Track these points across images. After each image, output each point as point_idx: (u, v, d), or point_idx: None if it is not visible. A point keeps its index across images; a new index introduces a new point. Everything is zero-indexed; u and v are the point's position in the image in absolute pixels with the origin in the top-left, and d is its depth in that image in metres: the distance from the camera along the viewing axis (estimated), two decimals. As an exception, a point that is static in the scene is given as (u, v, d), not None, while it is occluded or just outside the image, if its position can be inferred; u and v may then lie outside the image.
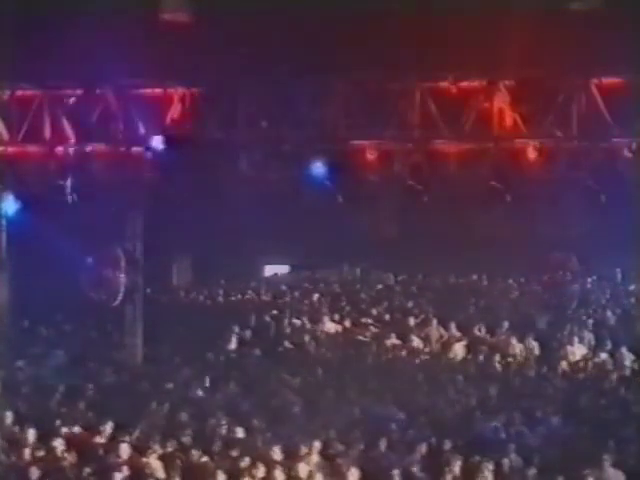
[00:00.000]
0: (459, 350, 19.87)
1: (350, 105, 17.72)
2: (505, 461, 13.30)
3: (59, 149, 18.92)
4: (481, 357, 19.38)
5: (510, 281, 25.51)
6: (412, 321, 21.45)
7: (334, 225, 22.52)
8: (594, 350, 19.28)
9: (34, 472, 13.00)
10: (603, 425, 14.65)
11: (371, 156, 18.05)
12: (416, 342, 20.42)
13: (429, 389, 17.01)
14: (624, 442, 13.92)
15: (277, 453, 13.50)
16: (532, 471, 13.06)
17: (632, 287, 24.10)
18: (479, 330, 20.56)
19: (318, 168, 17.43)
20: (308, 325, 21.87)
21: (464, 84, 17.47)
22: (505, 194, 17.58)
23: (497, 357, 19.30)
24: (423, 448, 13.76)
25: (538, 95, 17.43)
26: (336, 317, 22.18)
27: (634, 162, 16.70)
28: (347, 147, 18.04)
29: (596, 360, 18.87)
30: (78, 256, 19.69)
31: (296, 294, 25.34)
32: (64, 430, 14.46)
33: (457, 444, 13.91)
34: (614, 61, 16.20)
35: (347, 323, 21.93)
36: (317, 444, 13.65)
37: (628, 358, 18.47)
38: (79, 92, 18.69)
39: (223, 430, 14.55)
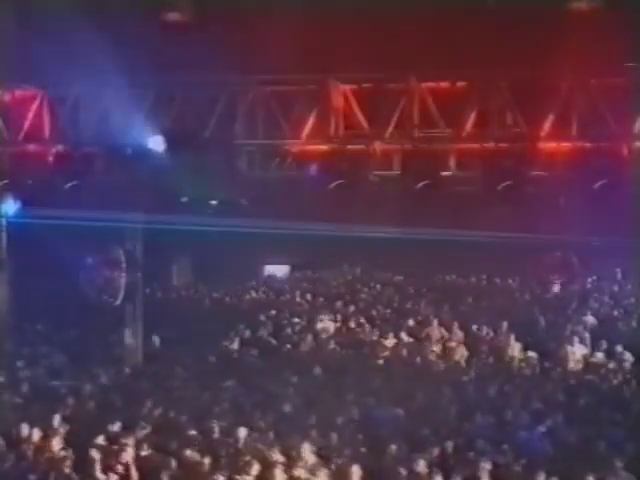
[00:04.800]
0: (459, 350, 19.86)
1: (349, 105, 17.76)
2: (506, 463, 13.27)
3: (59, 149, 18.95)
4: (481, 357, 19.39)
5: (510, 281, 25.53)
6: (412, 321, 21.47)
7: (334, 225, 22.51)
8: (594, 350, 19.28)
9: (33, 472, 12.99)
10: (602, 425, 14.64)
11: (372, 156, 18.10)
12: (416, 342, 20.43)
13: (429, 389, 16.99)
14: (627, 443, 13.88)
15: (277, 453, 13.49)
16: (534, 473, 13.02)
17: (632, 287, 24.10)
18: (479, 330, 20.56)
19: (317, 168, 17.45)
20: (308, 325, 21.87)
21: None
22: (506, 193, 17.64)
23: (497, 357, 19.34)
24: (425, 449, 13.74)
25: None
26: (335, 317, 22.18)
27: (634, 162, 16.75)
28: (346, 147, 18.09)
29: (596, 360, 18.87)
30: (78, 256, 19.68)
31: (296, 294, 25.36)
32: (64, 430, 14.45)
33: (457, 445, 13.91)
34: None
35: (346, 323, 21.94)
36: (317, 444, 13.65)
37: (628, 358, 18.46)
38: (79, 92, 18.72)
39: (223, 430, 14.53)
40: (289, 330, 21.47)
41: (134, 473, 13.17)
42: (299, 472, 12.99)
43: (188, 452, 13.56)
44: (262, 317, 22.25)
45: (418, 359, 19.58)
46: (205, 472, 13.07)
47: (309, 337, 20.96)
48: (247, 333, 21.12)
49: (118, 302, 19.38)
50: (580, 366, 18.84)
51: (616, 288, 24.40)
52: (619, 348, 18.78)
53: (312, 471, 13.00)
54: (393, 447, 13.66)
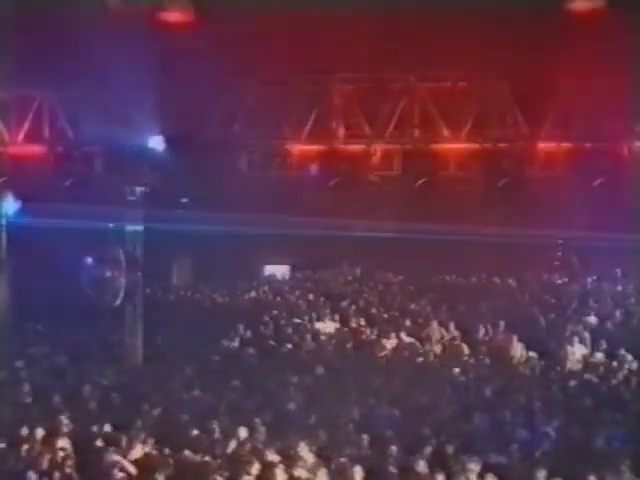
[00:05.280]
0: (459, 350, 19.85)
1: (349, 105, 17.76)
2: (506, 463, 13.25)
3: (59, 149, 18.95)
4: (480, 357, 19.39)
5: (510, 281, 25.52)
6: (412, 321, 21.47)
7: (334, 225, 22.53)
8: (594, 350, 19.27)
9: (34, 472, 12.99)
10: (602, 425, 14.64)
11: (371, 156, 18.10)
12: (416, 342, 20.42)
13: (428, 389, 16.99)
14: (627, 443, 13.87)
15: (276, 454, 13.49)
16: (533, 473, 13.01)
17: (632, 287, 24.09)
18: (478, 330, 20.55)
19: (317, 168, 17.45)
20: (308, 325, 21.87)
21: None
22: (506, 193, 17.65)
23: (497, 357, 19.34)
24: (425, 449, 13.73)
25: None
26: (335, 317, 22.19)
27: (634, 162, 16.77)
28: (346, 147, 18.08)
29: (596, 360, 18.87)
30: (78, 256, 19.68)
31: (296, 294, 25.37)
32: (64, 430, 14.45)
33: (457, 444, 13.90)
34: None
35: (347, 323, 21.95)
36: (317, 444, 13.66)
37: (628, 359, 18.45)
38: (78, 92, 18.71)
39: (223, 430, 14.53)
40: (289, 330, 21.46)
41: (134, 473, 13.17)
42: (299, 472, 13.00)
43: (188, 452, 13.57)
44: (262, 317, 22.25)
45: (418, 359, 19.59)
46: (205, 472, 13.07)
47: (309, 337, 20.96)
48: (247, 333, 21.13)
49: (118, 302, 19.38)
50: (580, 366, 18.84)
51: (616, 288, 24.38)
52: (619, 348, 18.77)
53: (312, 471, 13.00)
54: (393, 447, 13.67)
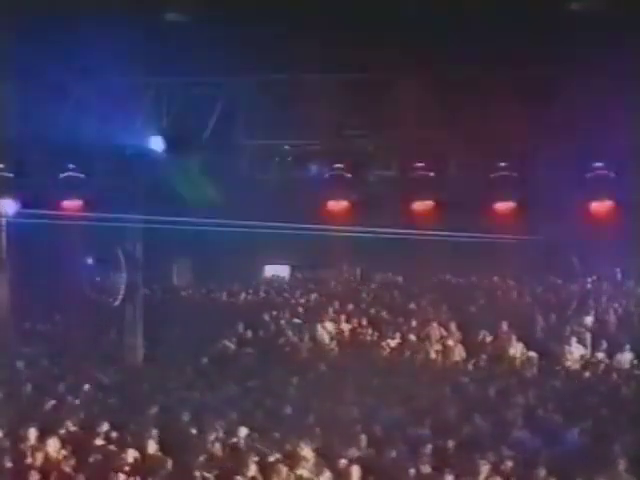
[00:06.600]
0: (458, 350, 19.87)
1: (350, 105, 17.74)
2: (506, 464, 13.25)
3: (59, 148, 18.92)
4: (480, 357, 19.40)
5: (510, 281, 25.51)
6: (412, 321, 21.48)
7: (334, 225, 22.51)
8: (593, 350, 19.30)
9: (33, 472, 13.00)
10: (601, 426, 14.65)
11: (371, 156, 18.10)
12: (416, 342, 20.44)
13: (429, 389, 17.02)
14: (626, 444, 13.87)
15: (276, 454, 13.50)
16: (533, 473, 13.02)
17: (632, 287, 24.10)
18: (479, 330, 20.56)
19: (317, 168, 17.46)
20: (308, 325, 21.88)
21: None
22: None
23: (497, 357, 19.36)
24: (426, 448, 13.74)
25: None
26: (335, 317, 22.19)
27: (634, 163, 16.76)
28: (346, 147, 18.09)
29: (595, 360, 18.89)
30: (78, 256, 19.69)
31: (296, 294, 25.39)
32: (63, 430, 14.45)
33: (458, 444, 13.92)
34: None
35: (346, 323, 21.96)
36: (316, 444, 13.66)
37: (627, 358, 18.48)
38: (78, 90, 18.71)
39: (223, 430, 14.53)
40: (289, 330, 21.48)
41: (133, 473, 13.18)
42: (299, 472, 13.01)
43: (187, 452, 13.59)
44: (262, 317, 22.26)
45: (418, 359, 19.61)
46: (204, 471, 13.09)
47: (309, 337, 20.98)
48: (247, 333, 21.14)
49: (118, 302, 19.38)
50: (578, 366, 18.86)
51: (615, 288, 24.38)
52: (619, 348, 18.81)
53: (312, 471, 13.01)
54: (393, 447, 13.68)
